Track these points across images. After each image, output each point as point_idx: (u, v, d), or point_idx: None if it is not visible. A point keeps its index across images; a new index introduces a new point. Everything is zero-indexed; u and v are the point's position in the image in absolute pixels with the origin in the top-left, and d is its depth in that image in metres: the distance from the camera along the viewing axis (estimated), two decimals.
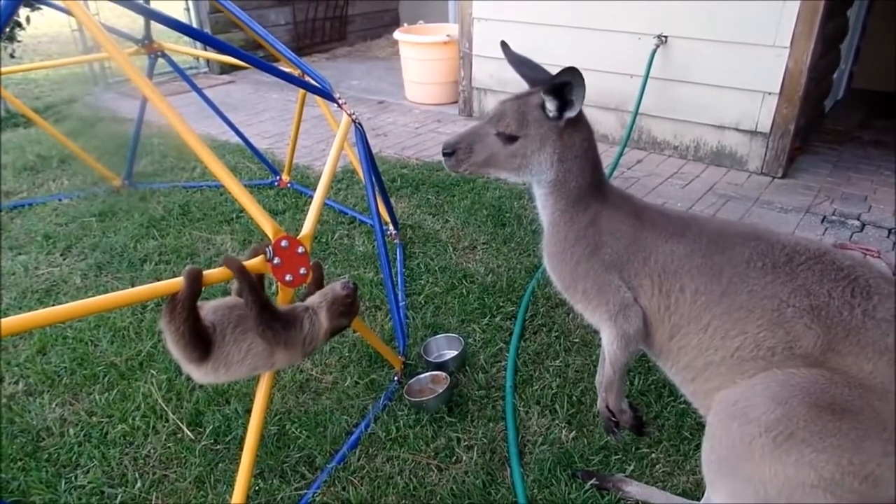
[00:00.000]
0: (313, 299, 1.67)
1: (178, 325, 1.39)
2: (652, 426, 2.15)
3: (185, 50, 4.52)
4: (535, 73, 1.72)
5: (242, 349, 1.50)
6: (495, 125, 1.64)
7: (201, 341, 1.45)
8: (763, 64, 4.02)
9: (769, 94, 4.09)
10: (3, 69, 3.69)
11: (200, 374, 1.52)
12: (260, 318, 1.49)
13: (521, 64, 1.75)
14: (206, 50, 5.45)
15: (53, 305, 1.37)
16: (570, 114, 1.57)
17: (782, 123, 4.12)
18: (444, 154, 1.69)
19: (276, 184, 4.01)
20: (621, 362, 1.64)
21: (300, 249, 1.65)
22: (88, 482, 1.97)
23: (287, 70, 2.71)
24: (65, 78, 6.83)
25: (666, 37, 4.30)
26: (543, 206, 1.71)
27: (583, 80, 1.50)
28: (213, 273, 1.52)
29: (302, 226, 1.82)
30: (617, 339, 1.60)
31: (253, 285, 1.53)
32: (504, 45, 1.80)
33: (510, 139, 1.63)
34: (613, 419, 1.79)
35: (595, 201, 1.65)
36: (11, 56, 5.64)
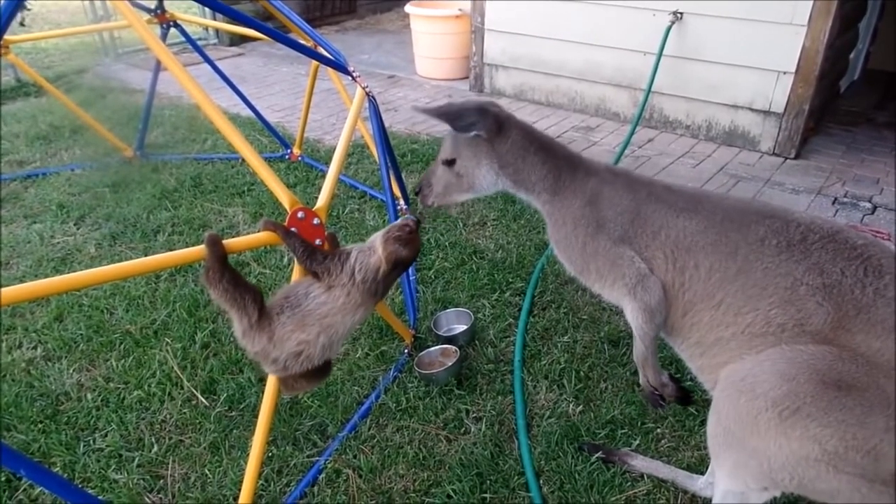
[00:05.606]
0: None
1: (218, 285, 1.44)
2: (696, 393, 2.07)
3: (196, 20, 4.49)
4: (451, 115, 1.74)
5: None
6: (440, 156, 1.82)
7: (248, 291, 1.47)
8: (779, 42, 3.97)
9: (784, 73, 4.04)
10: (13, 38, 3.68)
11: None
12: (306, 254, 1.52)
13: (441, 115, 1.74)
14: (216, 20, 5.42)
15: (69, 273, 1.40)
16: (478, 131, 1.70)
17: (797, 103, 4.08)
18: (415, 195, 1.90)
19: (286, 157, 4.02)
20: (649, 336, 1.64)
21: (315, 221, 1.66)
22: (107, 445, 2.02)
23: (301, 41, 2.70)
24: (74, 48, 6.81)
25: (681, 13, 4.25)
26: (535, 205, 1.80)
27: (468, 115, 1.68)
28: (240, 240, 1.57)
29: (313, 199, 1.84)
30: (640, 312, 1.60)
31: (295, 235, 1.57)
32: (416, 108, 1.81)
33: (451, 163, 1.79)
34: (657, 392, 1.79)
35: (577, 182, 1.70)
36: (21, 24, 5.63)
